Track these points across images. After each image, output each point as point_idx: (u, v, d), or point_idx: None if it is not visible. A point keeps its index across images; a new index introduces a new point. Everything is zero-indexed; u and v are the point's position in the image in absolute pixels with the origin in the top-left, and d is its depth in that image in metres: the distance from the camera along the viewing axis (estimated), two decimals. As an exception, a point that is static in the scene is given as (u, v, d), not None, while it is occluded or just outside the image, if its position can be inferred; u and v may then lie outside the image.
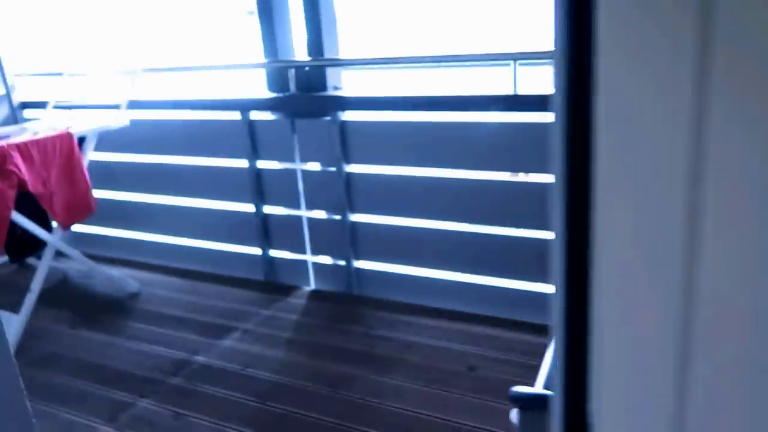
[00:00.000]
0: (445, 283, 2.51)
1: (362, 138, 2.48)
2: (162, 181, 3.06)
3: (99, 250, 3.43)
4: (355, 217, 2.61)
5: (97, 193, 3.32)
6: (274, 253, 2.88)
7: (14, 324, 2.44)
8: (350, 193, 2.57)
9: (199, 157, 2.91)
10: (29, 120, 3.31)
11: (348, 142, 2.50)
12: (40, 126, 2.92)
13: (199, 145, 2.88)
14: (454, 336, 2.31)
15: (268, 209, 2.82)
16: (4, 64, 3.18)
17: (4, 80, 3.20)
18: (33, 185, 2.38)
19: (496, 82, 2.21)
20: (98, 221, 3.37)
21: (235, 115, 2.71)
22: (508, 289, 2.39)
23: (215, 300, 2.76)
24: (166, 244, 3.17)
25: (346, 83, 2.61)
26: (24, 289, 2.55)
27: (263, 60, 2.62)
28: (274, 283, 2.90)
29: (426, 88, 2.39)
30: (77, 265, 3.07)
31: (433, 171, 2.46)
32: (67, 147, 2.53)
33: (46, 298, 2.78)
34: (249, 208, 2.84)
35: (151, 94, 3.00)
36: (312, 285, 2.82)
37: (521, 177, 2.27)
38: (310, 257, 2.79)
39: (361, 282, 2.69)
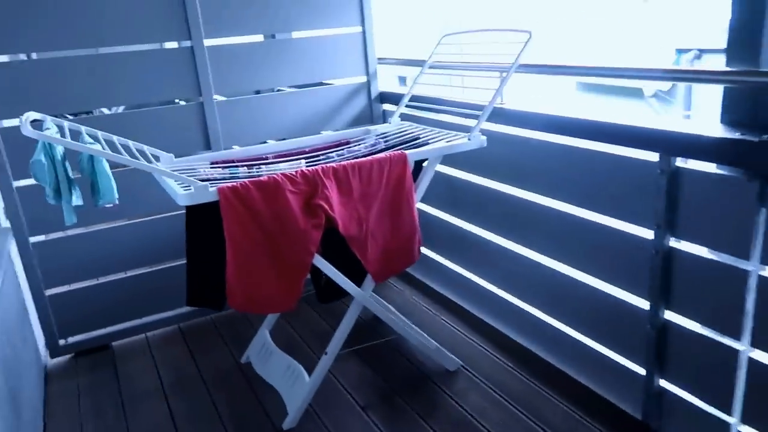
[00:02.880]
0: None
1: None
2: (514, 222, 2.18)
3: (420, 273, 2.81)
4: None
5: (426, 208, 2.68)
6: (666, 384, 1.73)
7: (303, 391, 1.93)
8: None
9: (575, 205, 1.91)
10: (385, 117, 2.82)
11: None
12: (388, 129, 2.35)
13: (578, 188, 1.87)
14: None
15: (671, 316, 1.66)
16: (370, 48, 2.71)
17: (366, 66, 2.73)
18: (345, 226, 1.77)
19: None
20: (431, 244, 2.73)
21: (649, 156, 1.61)
22: None
23: (555, 429, 1.79)
24: (507, 304, 2.31)
25: None
26: (320, 328, 2.04)
27: (725, 69, 1.43)
28: (656, 433, 1.76)
29: None
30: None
31: None
32: (397, 175, 1.84)
33: (345, 342, 2.25)
34: (641, 303, 1.74)
35: (517, 102, 2.11)
36: (729, 469, 1.59)
37: None
38: (736, 423, 1.55)
39: None
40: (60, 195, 1.47)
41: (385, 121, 2.77)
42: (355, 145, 2.24)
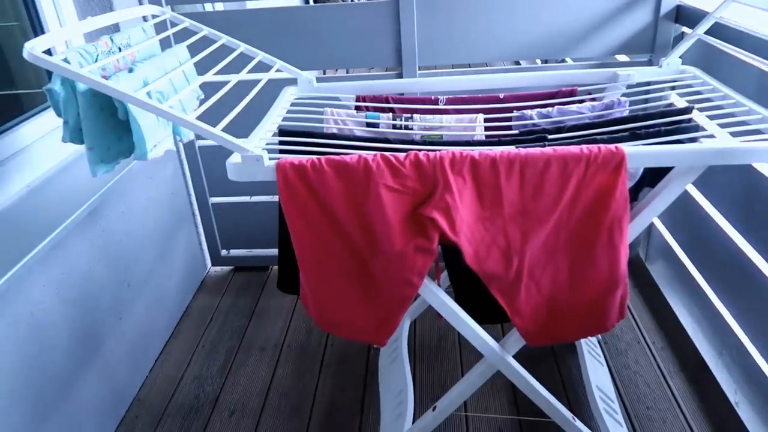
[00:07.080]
0: None
1: None
2: None
3: (670, 291, 1.85)
4: None
5: (704, 203, 1.64)
6: None
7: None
8: None
9: None
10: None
11: None
12: (652, 79, 1.41)
13: None
14: None
15: None
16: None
17: (664, -39, 1.68)
18: (477, 256, 1.05)
19: None
20: (700, 261, 1.73)
21: None
22: None
23: None
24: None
25: None
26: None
27: None
28: None
29: None
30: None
31: None
32: (597, 187, 1.01)
33: (510, 403, 1.60)
34: None
35: None
36: None
37: None
38: None
39: None
40: (81, 137, 1.09)
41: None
42: (580, 102, 1.38)
